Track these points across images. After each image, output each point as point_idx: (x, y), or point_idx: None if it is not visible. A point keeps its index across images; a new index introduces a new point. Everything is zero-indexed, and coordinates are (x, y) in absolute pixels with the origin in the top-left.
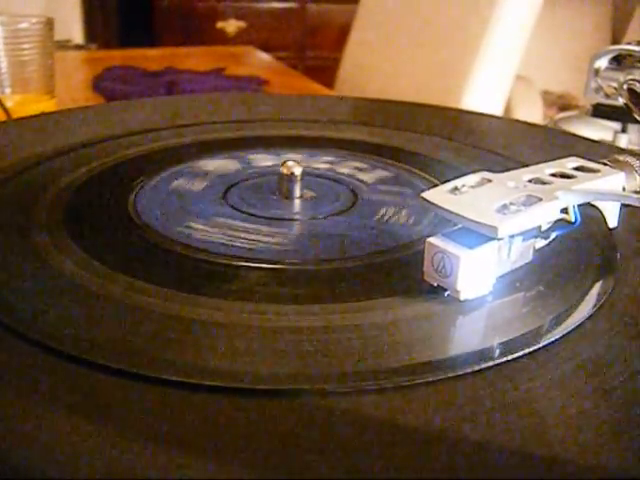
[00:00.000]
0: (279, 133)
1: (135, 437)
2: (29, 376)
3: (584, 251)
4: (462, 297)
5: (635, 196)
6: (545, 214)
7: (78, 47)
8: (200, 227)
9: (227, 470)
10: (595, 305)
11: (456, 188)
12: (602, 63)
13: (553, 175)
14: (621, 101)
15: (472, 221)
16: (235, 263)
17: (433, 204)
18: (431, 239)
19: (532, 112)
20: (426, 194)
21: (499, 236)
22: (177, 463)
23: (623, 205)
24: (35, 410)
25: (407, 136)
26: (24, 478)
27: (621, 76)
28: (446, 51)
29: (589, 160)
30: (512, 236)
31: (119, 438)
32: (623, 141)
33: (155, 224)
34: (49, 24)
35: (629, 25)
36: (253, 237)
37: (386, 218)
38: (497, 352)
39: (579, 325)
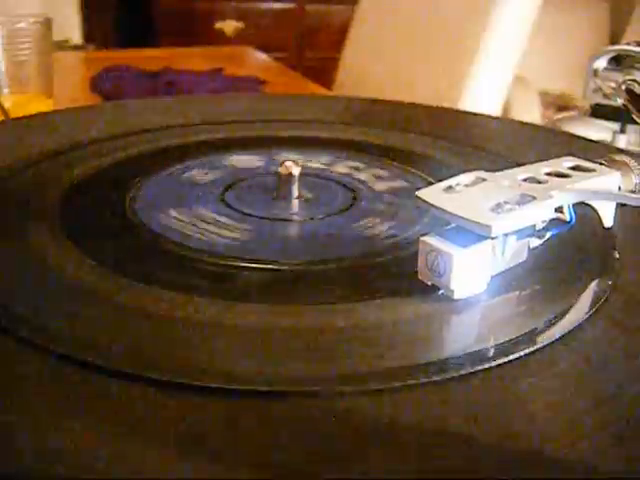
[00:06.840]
0: (277, 133)
1: (135, 437)
2: (28, 378)
3: (580, 251)
4: (456, 296)
5: (631, 196)
6: (539, 213)
7: (76, 47)
8: (198, 227)
9: (227, 470)
10: (592, 305)
11: (450, 187)
12: (601, 63)
13: (548, 174)
14: (620, 102)
15: (466, 220)
16: (233, 263)
17: (427, 203)
18: (424, 238)
19: (530, 112)
20: (421, 193)
21: (493, 235)
22: (177, 462)
23: (619, 205)
24: (34, 412)
25: (405, 136)
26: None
27: (620, 77)
28: (444, 51)
29: (585, 160)
30: (506, 235)
31: (119, 438)
32: (622, 141)
33: (153, 224)
34: (47, 24)
35: (628, 25)
36: (251, 237)
37: (383, 218)
38: (491, 353)
39: (576, 326)
